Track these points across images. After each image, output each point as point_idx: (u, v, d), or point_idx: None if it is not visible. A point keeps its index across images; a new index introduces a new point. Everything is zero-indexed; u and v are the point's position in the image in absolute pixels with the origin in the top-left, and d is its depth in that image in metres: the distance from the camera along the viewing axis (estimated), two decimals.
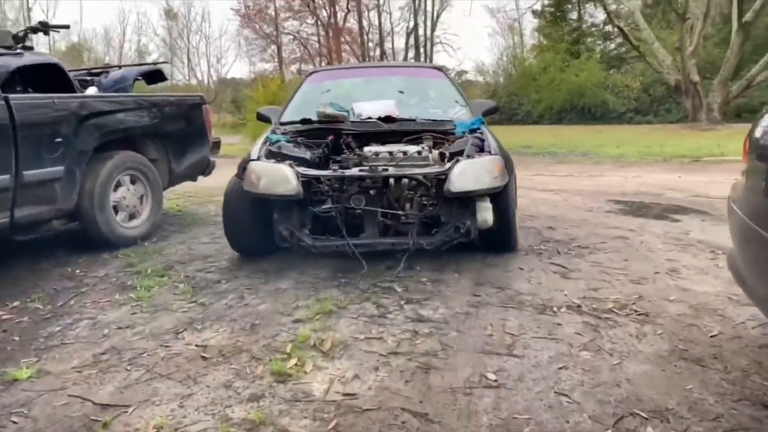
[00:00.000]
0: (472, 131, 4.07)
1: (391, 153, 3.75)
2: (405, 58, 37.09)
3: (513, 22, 34.25)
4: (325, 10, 34.04)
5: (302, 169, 3.53)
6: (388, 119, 4.24)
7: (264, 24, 34.29)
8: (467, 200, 3.52)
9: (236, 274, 3.59)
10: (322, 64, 35.63)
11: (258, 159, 3.67)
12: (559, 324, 2.58)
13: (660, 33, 20.70)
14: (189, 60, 39.61)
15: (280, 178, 3.46)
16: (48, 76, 4.11)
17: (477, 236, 3.54)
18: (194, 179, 5.54)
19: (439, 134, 4.14)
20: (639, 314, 2.66)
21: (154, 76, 5.53)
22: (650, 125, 22.21)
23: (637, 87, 25.77)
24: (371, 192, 3.56)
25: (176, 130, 4.97)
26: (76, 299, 3.20)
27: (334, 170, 3.60)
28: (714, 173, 7.60)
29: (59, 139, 3.80)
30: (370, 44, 36.30)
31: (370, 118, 4.29)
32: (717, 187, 6.34)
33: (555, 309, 2.76)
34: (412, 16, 35.92)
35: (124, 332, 2.69)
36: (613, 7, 19.89)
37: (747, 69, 19.55)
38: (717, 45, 22.88)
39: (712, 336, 2.40)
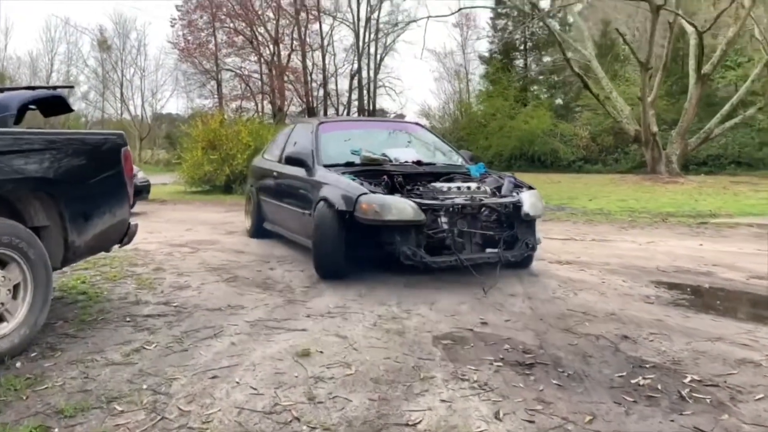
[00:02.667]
0: (485, 174, 5.26)
1: (459, 188, 4.64)
2: (349, 100, 36.60)
3: (459, 68, 34.07)
4: (269, 48, 32.92)
5: (418, 200, 4.31)
6: (418, 163, 5.26)
7: (204, 59, 32.71)
8: (532, 222, 4.60)
9: None
10: (265, 102, 34.34)
11: (366, 194, 4.29)
12: None
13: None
14: (122, 94, 37.21)
15: (406, 208, 4.19)
16: None
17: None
18: (107, 250, 3.94)
19: (461, 175, 5.12)
20: None
21: (54, 104, 3.96)
22: (604, 175, 21.82)
23: (585, 136, 25.64)
24: (469, 217, 4.46)
25: (78, 184, 3.39)
26: None
27: (442, 200, 4.43)
28: (737, 240, 6.56)
29: None
30: (314, 84, 35.29)
31: (406, 161, 5.28)
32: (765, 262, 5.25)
33: None
34: (355, 58, 35.35)
35: None
36: (569, 54, 19.43)
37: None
38: (661, 98, 22.96)
39: None
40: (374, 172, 4.89)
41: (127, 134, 4.28)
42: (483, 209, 4.53)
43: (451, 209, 4.38)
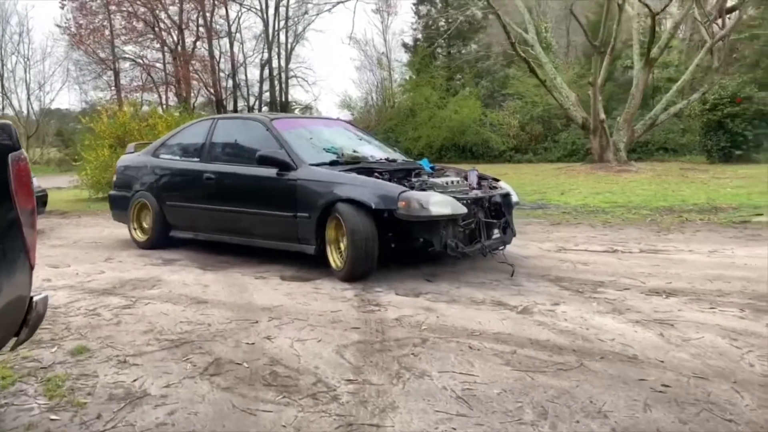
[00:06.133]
0: (434, 168, 5.49)
1: (452, 182, 4.90)
2: (260, 91, 34.54)
3: (381, 56, 32.62)
4: (172, 35, 30.03)
5: (453, 195, 4.57)
6: (387, 160, 5.56)
7: (98, 46, 29.28)
8: (512, 209, 5.20)
9: None
10: (169, 93, 31.34)
11: (407, 191, 4.43)
12: None
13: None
14: (3, 86, 32.81)
15: (449, 203, 4.41)
16: None
17: None
18: None
19: (420, 169, 5.35)
20: None
21: None
22: (538, 165, 21.23)
23: (515, 125, 24.88)
24: (482, 208, 4.79)
25: None
26: None
27: (467, 194, 4.76)
28: None
29: None
30: (222, 74, 32.78)
31: (380, 159, 5.55)
32: None
33: None
34: (265, 47, 33.17)
35: None
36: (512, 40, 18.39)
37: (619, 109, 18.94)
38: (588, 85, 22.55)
39: None
40: (364, 169, 4.95)
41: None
42: (491, 200, 4.88)
43: (472, 202, 4.65)
